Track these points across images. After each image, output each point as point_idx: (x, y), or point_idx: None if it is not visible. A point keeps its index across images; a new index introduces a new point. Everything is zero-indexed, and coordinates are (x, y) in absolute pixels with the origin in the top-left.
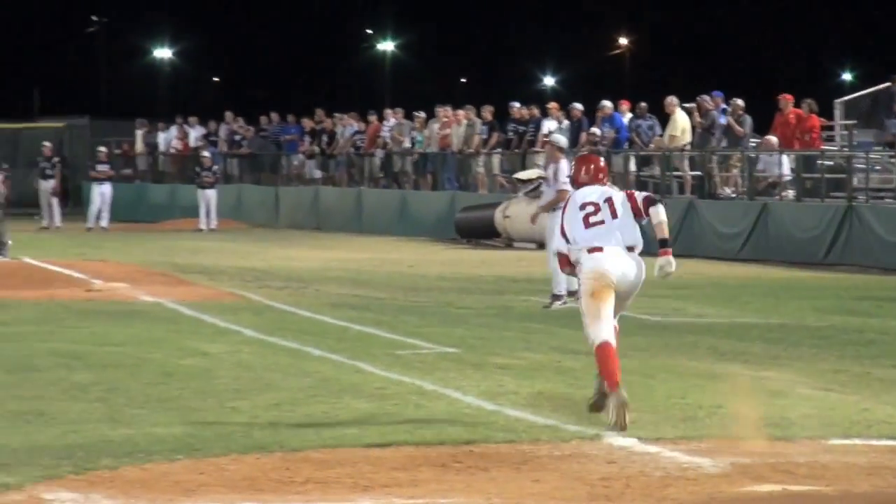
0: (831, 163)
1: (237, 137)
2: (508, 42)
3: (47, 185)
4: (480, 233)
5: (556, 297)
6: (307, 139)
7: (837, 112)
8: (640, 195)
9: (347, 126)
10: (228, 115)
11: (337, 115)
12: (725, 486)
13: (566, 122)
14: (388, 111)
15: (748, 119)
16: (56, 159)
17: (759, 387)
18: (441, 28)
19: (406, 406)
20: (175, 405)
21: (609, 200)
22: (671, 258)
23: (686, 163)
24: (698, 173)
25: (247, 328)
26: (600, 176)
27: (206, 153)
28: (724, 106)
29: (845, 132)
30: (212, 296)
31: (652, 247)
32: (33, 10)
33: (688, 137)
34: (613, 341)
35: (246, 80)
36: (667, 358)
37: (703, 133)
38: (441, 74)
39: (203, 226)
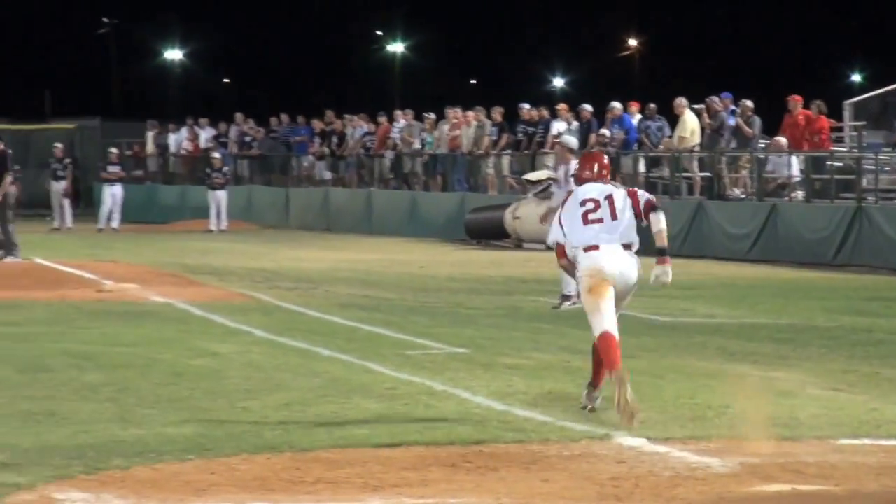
0: (841, 164)
1: (247, 139)
2: (518, 44)
3: (59, 187)
4: (490, 234)
5: (566, 298)
6: (317, 140)
7: (847, 113)
8: (643, 197)
9: (357, 127)
10: (239, 116)
11: (347, 116)
12: (734, 486)
13: (575, 124)
14: (399, 112)
15: (757, 120)
16: (67, 160)
17: (767, 386)
18: (451, 30)
19: (416, 406)
20: (186, 405)
21: (609, 198)
22: (668, 268)
23: (695, 164)
24: (707, 174)
25: (257, 329)
26: (604, 173)
27: (216, 154)
28: (733, 107)
29: (855, 133)
30: (222, 296)
31: (649, 246)
32: (44, 12)
33: (697, 138)
34: (615, 332)
35: (256, 82)
36: (676, 358)
37: (712, 134)
38: (451, 76)
39: (213, 227)
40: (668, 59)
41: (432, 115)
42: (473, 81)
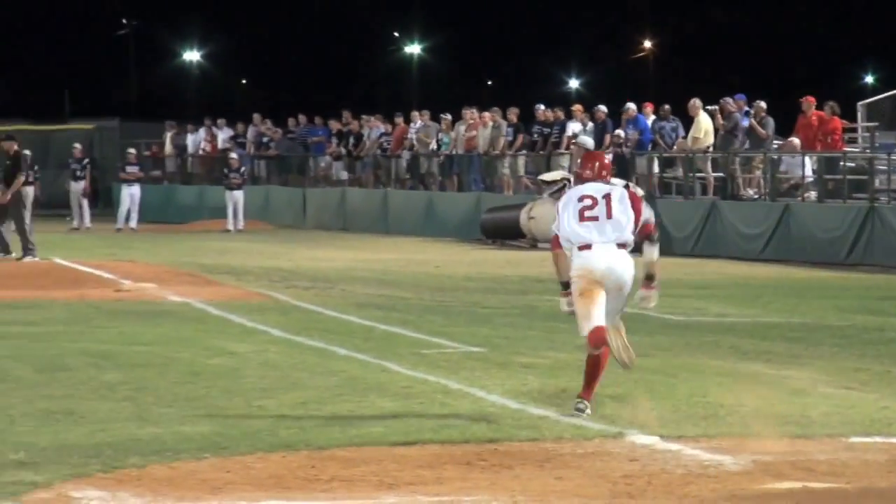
0: (853, 164)
1: (265, 139)
2: (533, 45)
3: (77, 187)
4: (505, 233)
5: None
6: (334, 141)
7: (860, 114)
8: (644, 212)
9: (374, 128)
10: (256, 117)
11: (364, 117)
12: (746, 484)
13: (590, 125)
14: (415, 113)
15: (770, 121)
16: (86, 161)
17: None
18: (467, 31)
19: (431, 405)
20: (202, 404)
21: (607, 197)
22: (653, 293)
23: (709, 164)
24: (721, 175)
25: (273, 328)
26: (603, 173)
27: (234, 155)
28: (746, 108)
29: (867, 134)
30: (239, 296)
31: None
32: (64, 13)
33: (711, 139)
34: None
35: (274, 83)
36: (689, 357)
37: (725, 135)
38: (467, 77)
39: (231, 227)
40: (683, 61)
41: (449, 116)
42: (489, 83)
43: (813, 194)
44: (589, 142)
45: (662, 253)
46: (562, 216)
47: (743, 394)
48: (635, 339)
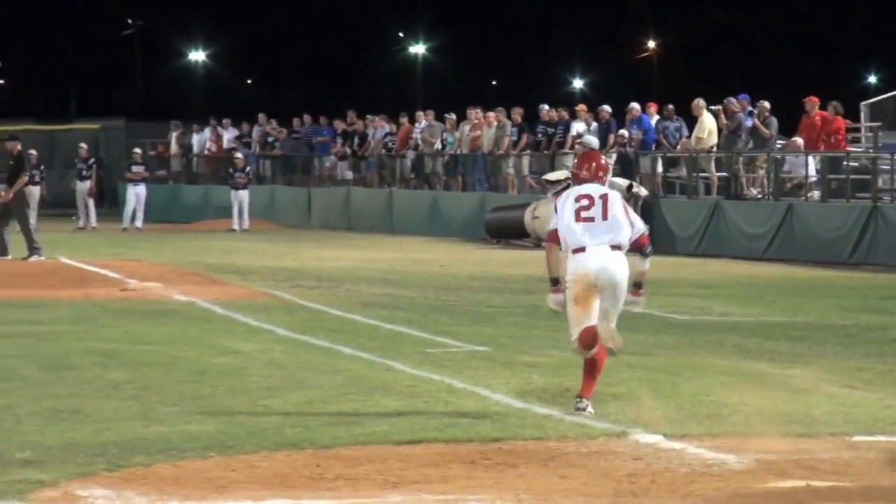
0: (856, 164)
1: (270, 139)
2: (538, 45)
3: (83, 186)
4: (510, 233)
5: None
6: (339, 141)
7: (863, 114)
8: (636, 223)
9: (379, 128)
10: (261, 116)
11: (368, 117)
12: (750, 482)
13: (595, 124)
14: (420, 113)
15: (774, 121)
16: (92, 161)
17: (782, 384)
18: (472, 31)
19: (436, 403)
20: (208, 403)
21: (604, 198)
22: (640, 300)
23: (713, 164)
24: (725, 174)
25: (279, 327)
26: (600, 174)
27: (239, 154)
28: (750, 108)
29: (871, 134)
30: (244, 295)
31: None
32: (69, 14)
33: (714, 139)
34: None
35: (279, 83)
36: (693, 356)
37: (729, 135)
38: (472, 77)
39: (236, 226)
40: (686, 61)
41: (453, 116)
42: (494, 83)
43: (816, 194)
44: (594, 141)
45: (666, 252)
46: (560, 215)
47: (746, 393)
48: (639, 337)
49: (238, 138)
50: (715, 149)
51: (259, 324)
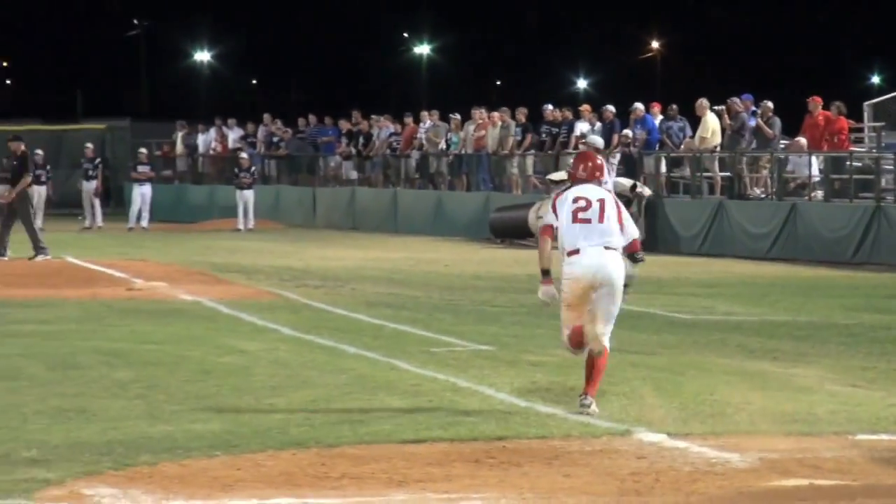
0: (860, 164)
1: (275, 139)
2: (542, 45)
3: (89, 186)
4: (514, 233)
5: None
6: (344, 141)
7: (866, 114)
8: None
9: (383, 128)
10: (266, 117)
11: (373, 117)
12: (753, 481)
13: (598, 124)
14: (425, 113)
15: (777, 121)
16: (98, 161)
17: (785, 383)
18: (476, 32)
19: (440, 402)
20: (213, 402)
21: (601, 201)
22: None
23: (716, 164)
24: (728, 174)
25: (284, 326)
26: (596, 174)
27: (244, 154)
28: (753, 108)
29: (874, 134)
30: (249, 294)
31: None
32: (76, 14)
33: (718, 139)
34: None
35: (284, 83)
36: (696, 355)
37: (732, 135)
38: (476, 77)
39: (241, 226)
40: (690, 61)
41: (458, 116)
42: (498, 83)
43: (819, 194)
44: (599, 141)
45: (670, 252)
46: (560, 215)
47: (750, 392)
48: (643, 336)
49: (243, 138)
50: (718, 149)
51: (264, 323)
